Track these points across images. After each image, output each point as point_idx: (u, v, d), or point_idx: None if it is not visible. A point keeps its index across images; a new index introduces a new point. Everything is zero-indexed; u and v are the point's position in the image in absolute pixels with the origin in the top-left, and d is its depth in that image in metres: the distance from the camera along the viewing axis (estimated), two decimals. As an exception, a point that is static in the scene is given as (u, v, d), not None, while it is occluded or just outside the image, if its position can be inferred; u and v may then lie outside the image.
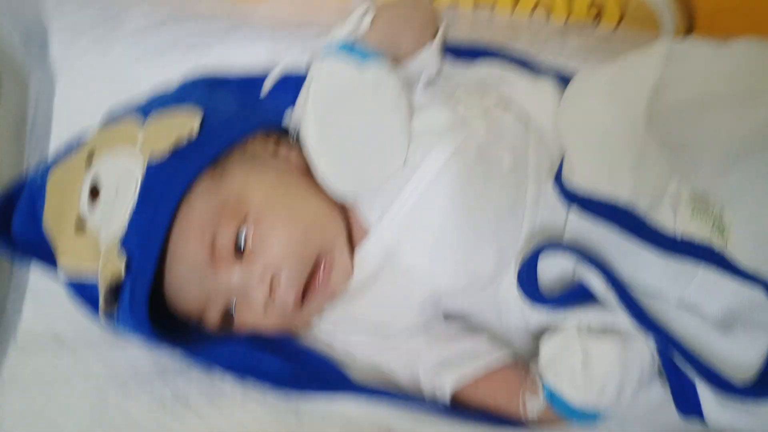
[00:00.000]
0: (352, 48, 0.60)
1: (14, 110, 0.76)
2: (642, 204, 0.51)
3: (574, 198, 0.53)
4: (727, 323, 0.54)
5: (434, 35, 0.69)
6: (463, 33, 0.79)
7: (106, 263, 0.54)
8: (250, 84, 0.72)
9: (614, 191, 0.51)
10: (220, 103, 0.65)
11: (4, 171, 0.72)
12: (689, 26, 0.81)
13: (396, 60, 0.66)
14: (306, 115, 0.59)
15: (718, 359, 0.52)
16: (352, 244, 0.63)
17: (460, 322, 0.67)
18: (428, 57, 0.68)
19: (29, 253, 0.66)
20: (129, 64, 0.77)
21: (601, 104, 0.54)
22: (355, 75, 0.59)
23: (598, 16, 0.80)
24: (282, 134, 0.66)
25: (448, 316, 0.67)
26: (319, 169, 0.59)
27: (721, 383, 0.49)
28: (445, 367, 0.61)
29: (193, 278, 0.56)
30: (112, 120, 0.63)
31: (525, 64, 0.70)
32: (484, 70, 0.70)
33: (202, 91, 0.70)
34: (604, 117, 0.54)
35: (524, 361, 0.61)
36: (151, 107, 0.62)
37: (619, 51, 0.73)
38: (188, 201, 0.55)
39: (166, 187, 0.54)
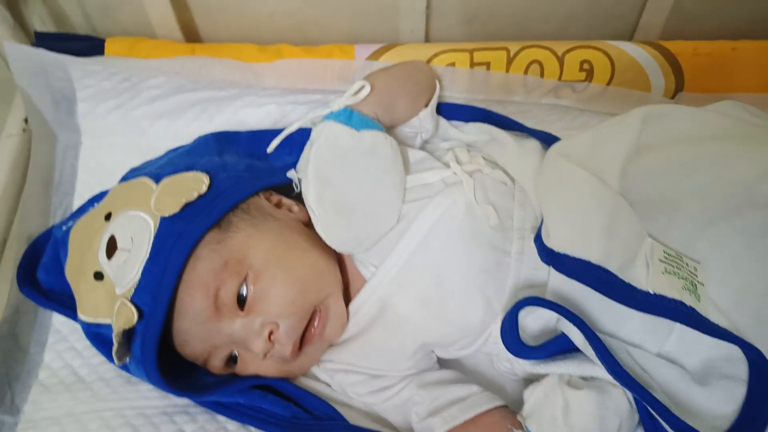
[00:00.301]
0: (350, 115, 0.65)
1: (43, 166, 0.82)
2: (614, 264, 0.54)
3: (549, 258, 0.56)
4: (704, 375, 0.57)
5: (428, 100, 0.74)
6: (461, 91, 0.84)
7: (120, 311, 0.58)
8: (258, 140, 0.77)
9: (586, 253, 0.54)
10: (229, 162, 0.71)
11: (32, 223, 0.78)
12: (678, 85, 0.85)
13: (392, 123, 0.71)
14: (307, 175, 0.64)
15: (696, 410, 0.54)
16: (348, 294, 0.67)
17: (455, 369, 0.70)
18: (423, 120, 0.73)
19: (52, 299, 0.71)
20: (148, 123, 0.83)
21: (576, 169, 0.58)
22: (354, 140, 0.64)
23: (590, 75, 0.84)
24: (285, 189, 0.71)
25: (444, 364, 0.71)
26: (317, 225, 0.64)
27: (690, 434, 0.51)
28: (436, 411, 0.64)
29: (198, 327, 0.60)
30: (129, 180, 0.68)
31: (514, 126, 0.75)
32: (475, 131, 0.75)
33: (213, 147, 0.75)
34: (579, 181, 0.57)
35: (515, 408, 0.64)
36: (164, 168, 0.67)
37: (610, 108, 0.78)
38: (195, 255, 0.60)
39: (175, 243, 0.58)
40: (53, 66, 0.81)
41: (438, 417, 0.63)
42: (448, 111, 0.79)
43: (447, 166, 0.68)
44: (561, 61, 0.83)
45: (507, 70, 0.83)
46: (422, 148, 0.75)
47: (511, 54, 0.83)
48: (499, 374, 0.70)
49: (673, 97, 0.86)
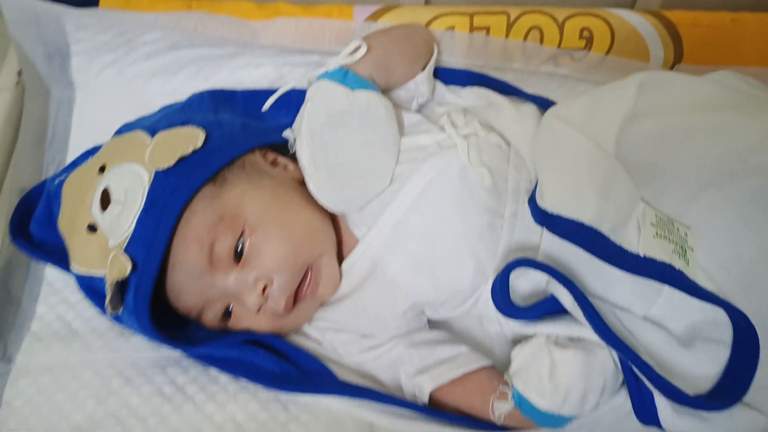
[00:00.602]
0: (345, 74, 0.65)
1: (36, 121, 0.81)
2: (606, 226, 0.55)
3: (543, 219, 0.56)
4: (689, 338, 0.58)
5: (426, 64, 0.73)
6: (460, 56, 0.83)
7: (113, 264, 0.58)
8: (254, 99, 0.77)
9: (579, 214, 0.55)
10: (225, 119, 0.70)
11: (25, 177, 0.77)
12: (677, 56, 0.85)
13: (388, 85, 0.71)
14: (301, 135, 0.64)
15: (680, 371, 0.56)
16: (341, 253, 0.67)
17: (445, 330, 0.71)
18: (419, 84, 0.73)
19: (45, 252, 0.71)
20: (143, 81, 0.82)
21: (573, 132, 0.58)
22: (348, 99, 0.64)
23: (589, 43, 0.84)
24: (281, 148, 0.71)
25: (433, 325, 0.72)
26: (310, 185, 0.64)
27: (673, 393, 0.52)
28: (425, 370, 0.65)
29: (192, 281, 0.60)
30: (123, 134, 0.68)
31: (511, 91, 0.75)
32: (472, 96, 0.75)
33: (208, 105, 0.75)
34: (575, 144, 0.57)
35: (503, 369, 0.65)
36: (159, 123, 0.67)
37: (609, 78, 0.77)
38: (190, 209, 0.60)
39: (169, 196, 0.59)
40: (46, 16, 0.79)
41: (426, 375, 0.64)
42: (445, 75, 0.78)
43: (442, 129, 0.68)
44: (561, 28, 0.83)
45: (506, 36, 0.83)
46: (418, 112, 0.74)
47: (511, 19, 0.82)
48: (488, 336, 0.71)
49: (671, 69, 0.86)
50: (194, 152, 0.61)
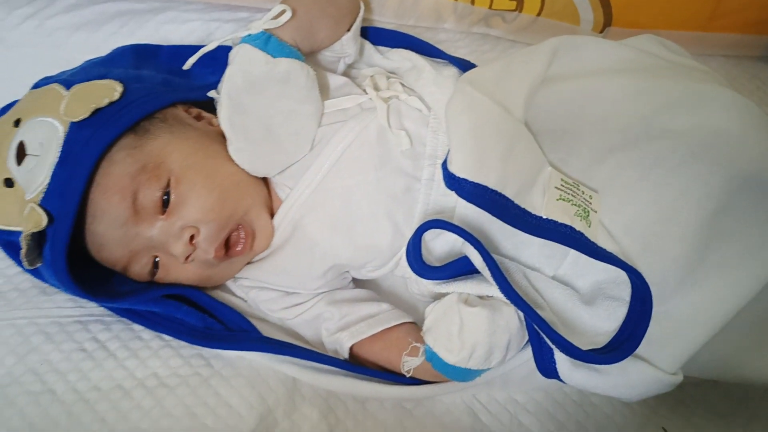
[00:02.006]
0: (268, 40, 0.63)
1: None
2: (510, 190, 0.57)
3: (451, 182, 0.58)
4: (592, 296, 0.61)
5: (351, 24, 0.72)
6: (390, 15, 0.82)
7: (29, 216, 0.58)
8: (179, 56, 0.75)
9: (483, 178, 0.56)
10: (146, 74, 0.69)
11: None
12: (607, 19, 0.86)
13: (312, 48, 0.70)
14: (221, 99, 0.64)
15: (581, 328, 0.59)
16: (272, 211, 0.68)
17: (371, 290, 0.73)
18: (345, 45, 0.72)
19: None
20: (65, 35, 0.80)
21: (480, 97, 0.59)
22: (268, 66, 0.63)
23: (520, 4, 0.84)
24: (207, 107, 0.70)
25: (360, 284, 0.74)
26: (229, 148, 0.64)
27: (567, 348, 0.55)
28: (346, 326, 0.67)
29: (115, 231, 0.60)
30: (38, 88, 0.66)
31: (437, 54, 0.75)
32: (399, 58, 0.74)
33: (130, 60, 0.73)
34: (481, 110, 0.58)
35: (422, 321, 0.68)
36: (76, 76, 0.66)
37: (540, 40, 0.78)
38: (109, 158, 0.60)
39: (84, 146, 0.58)
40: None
41: (346, 332, 0.67)
42: (374, 36, 0.78)
43: (365, 92, 0.68)
44: (492, -13, 0.83)
45: (437, -5, 0.82)
46: (345, 73, 0.74)
47: (442, -22, 0.82)
48: (412, 296, 0.73)
49: (601, 32, 0.87)
50: (111, 104, 0.60)
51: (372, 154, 0.64)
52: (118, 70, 0.69)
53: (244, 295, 0.71)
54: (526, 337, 0.63)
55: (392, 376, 0.67)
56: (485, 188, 0.56)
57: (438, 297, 0.66)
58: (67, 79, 0.65)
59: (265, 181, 0.69)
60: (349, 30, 0.72)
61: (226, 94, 0.63)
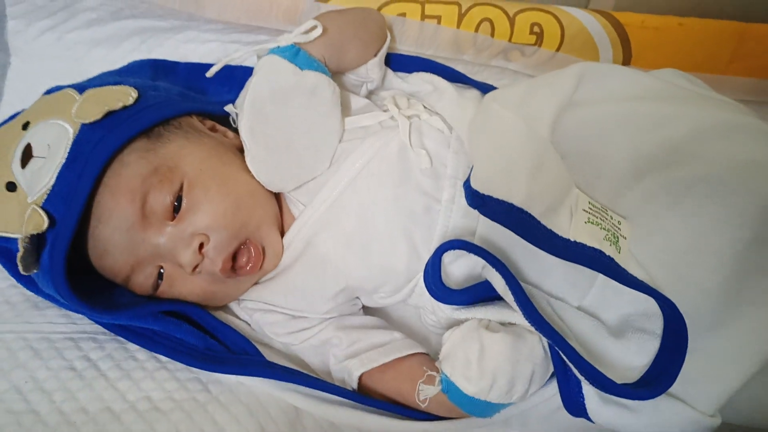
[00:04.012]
0: (297, 53, 0.63)
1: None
2: (536, 209, 0.54)
3: (474, 200, 0.55)
4: (620, 329, 0.57)
5: (378, 50, 0.72)
6: (409, 44, 0.82)
7: (30, 218, 0.55)
8: (197, 73, 0.75)
9: (509, 195, 0.54)
10: (162, 85, 0.68)
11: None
12: (626, 58, 0.86)
13: (339, 69, 0.69)
14: (243, 106, 0.62)
15: (609, 362, 0.55)
16: (282, 229, 0.65)
17: (381, 319, 0.69)
18: (370, 70, 0.72)
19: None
20: (84, 49, 0.79)
21: (507, 113, 0.57)
22: (295, 77, 0.62)
23: (539, 39, 0.84)
24: (221, 122, 0.69)
25: (370, 312, 0.70)
26: (247, 158, 0.62)
27: (600, 381, 0.51)
28: (355, 354, 0.63)
29: (120, 235, 0.57)
30: (52, 93, 0.65)
31: (458, 78, 0.74)
32: (418, 81, 0.74)
33: (147, 73, 0.72)
34: (508, 125, 0.56)
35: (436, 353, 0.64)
36: (91, 82, 0.64)
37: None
38: (120, 160, 0.57)
39: (94, 147, 0.56)
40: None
41: (356, 359, 0.62)
42: (394, 62, 0.77)
43: (386, 110, 0.67)
44: (512, 21, 0.83)
45: (458, 26, 0.82)
46: (366, 98, 0.73)
47: (463, 10, 0.82)
48: (426, 329, 0.69)
49: (620, 70, 0.86)
50: (125, 108, 0.58)
51: (391, 170, 0.62)
52: (134, 79, 0.67)
53: (248, 318, 0.67)
54: (550, 370, 0.58)
55: (402, 410, 0.62)
56: (511, 206, 0.53)
57: (453, 325, 0.63)
58: (81, 85, 0.63)
59: (277, 198, 0.66)
60: (375, 55, 0.71)
61: (249, 102, 0.61)
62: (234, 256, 0.61)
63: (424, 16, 0.82)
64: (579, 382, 0.55)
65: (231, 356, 0.62)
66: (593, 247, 0.54)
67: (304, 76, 0.62)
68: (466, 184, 0.58)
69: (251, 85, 0.62)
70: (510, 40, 0.84)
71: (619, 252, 0.56)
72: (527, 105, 0.59)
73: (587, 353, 0.55)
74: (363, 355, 0.63)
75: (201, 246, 0.58)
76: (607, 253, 0.54)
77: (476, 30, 0.83)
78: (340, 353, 0.63)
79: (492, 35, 0.83)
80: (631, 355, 0.55)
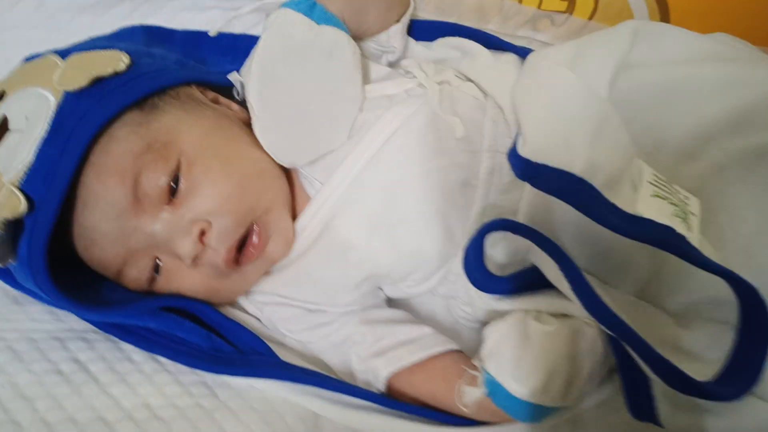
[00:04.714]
0: (313, 6, 0.55)
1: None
2: (599, 179, 0.47)
3: (525, 170, 0.48)
4: (686, 319, 0.51)
5: (401, 15, 0.65)
6: (430, 11, 0.75)
7: (5, 201, 0.48)
8: (195, 41, 0.67)
9: (568, 163, 0.47)
10: (157, 52, 0.60)
11: None
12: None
13: (359, 32, 0.62)
14: (252, 67, 0.55)
15: (677, 356, 0.47)
16: (294, 211, 0.58)
17: (406, 313, 0.62)
18: (392, 37, 0.65)
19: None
20: (67, 17, 0.72)
21: (563, 71, 0.50)
22: (311, 33, 0.55)
23: (571, 6, 0.77)
24: (224, 94, 0.61)
25: (393, 305, 0.63)
26: (256, 128, 0.54)
27: (677, 379, 0.44)
28: (381, 352, 0.56)
29: (110, 223, 0.50)
30: (31, 60, 0.57)
31: (490, 41, 0.66)
32: (445, 47, 0.67)
33: (140, 38, 0.64)
34: (564, 85, 0.50)
35: (472, 355, 0.56)
36: (76, 48, 0.56)
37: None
38: (109, 134, 0.50)
39: (79, 120, 0.48)
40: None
41: (382, 358, 0.55)
42: (416, 30, 0.70)
43: (412, 76, 0.60)
44: (542, -14, 0.76)
45: (482, -7, 0.75)
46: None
47: (489, -26, 0.75)
48: (456, 322, 0.62)
49: (656, 41, 0.80)
50: (116, 75, 0.51)
51: (421, 143, 0.54)
52: (126, 44, 0.59)
53: (258, 313, 0.60)
54: (606, 368, 0.51)
55: (437, 415, 0.55)
56: (571, 176, 0.46)
57: (492, 318, 0.55)
58: (66, 50, 0.56)
59: (288, 176, 0.59)
60: (398, 22, 0.64)
61: (258, 61, 0.54)
62: (239, 246, 0.53)
63: (446, -19, 0.75)
64: (647, 381, 0.48)
65: (240, 356, 0.55)
66: (663, 224, 0.47)
67: (321, 32, 0.55)
68: (513, 153, 0.51)
69: (260, 43, 0.55)
70: (539, 7, 0.77)
71: (690, 230, 0.49)
72: (579, 65, 0.52)
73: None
74: (390, 354, 0.55)
75: (202, 234, 0.51)
76: (678, 231, 0.47)
77: (503, -5, 0.76)
78: (364, 351, 0.56)
79: (520, 1, 0.76)
80: (702, 348, 0.48)
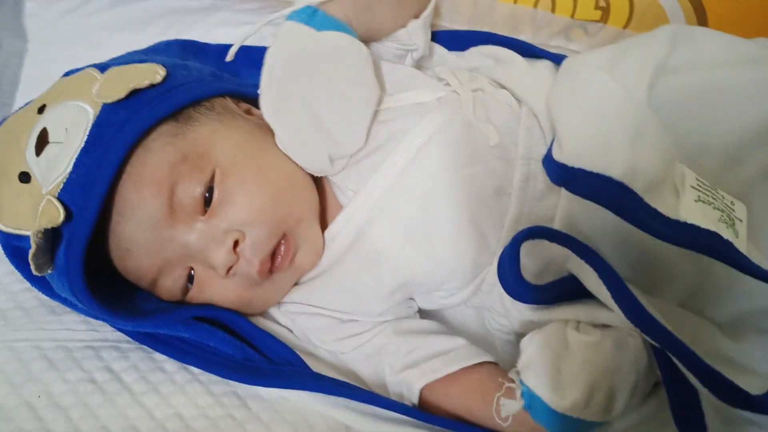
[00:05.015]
0: (314, 14, 0.55)
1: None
2: (639, 183, 0.45)
3: (562, 175, 0.47)
4: (735, 330, 0.48)
5: (419, 11, 0.63)
6: (462, 22, 0.75)
7: (44, 211, 0.48)
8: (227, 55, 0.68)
9: (607, 167, 0.45)
10: (192, 65, 0.61)
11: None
12: (701, 31, 0.77)
13: (370, 32, 0.61)
14: (262, 84, 0.54)
15: (727, 368, 0.45)
16: (325, 220, 0.57)
17: (439, 324, 0.60)
18: (412, 34, 0.63)
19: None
20: (106, 34, 0.74)
21: (600, 74, 0.49)
22: (312, 41, 0.54)
23: (605, 15, 0.76)
24: (257, 103, 0.61)
25: (426, 317, 0.61)
26: (278, 140, 0.54)
27: (730, 392, 0.42)
28: (415, 363, 0.54)
29: (145, 233, 0.50)
30: (70, 74, 0.58)
31: (524, 48, 0.66)
32: (478, 55, 0.66)
33: (176, 52, 0.65)
34: (601, 88, 0.48)
35: (506, 368, 0.55)
36: (114, 62, 0.57)
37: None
38: (145, 146, 0.50)
39: (117, 131, 0.49)
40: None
41: (416, 369, 0.54)
42: (449, 40, 0.69)
43: (444, 83, 0.59)
44: (575, -5, 0.75)
45: (515, 2, 0.74)
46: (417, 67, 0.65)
47: (522, -18, 0.75)
48: (490, 334, 0.60)
49: (694, 49, 0.78)
50: (152, 87, 0.51)
51: (456, 151, 0.53)
52: (162, 57, 0.60)
53: (289, 323, 0.59)
54: (653, 381, 0.49)
55: (471, 429, 0.52)
56: (609, 180, 0.45)
57: (527, 329, 0.54)
58: (104, 65, 0.57)
59: (320, 186, 0.58)
60: (418, 17, 0.63)
61: (267, 75, 0.53)
62: (272, 256, 0.53)
63: (478, -9, 0.74)
64: (696, 395, 0.45)
65: (272, 367, 0.54)
66: (708, 229, 0.45)
67: (321, 38, 0.54)
68: (548, 159, 0.50)
69: (266, 59, 0.54)
70: (573, 16, 0.76)
71: (737, 237, 0.47)
72: (616, 69, 0.51)
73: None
74: (424, 365, 0.54)
75: (236, 244, 0.51)
76: (725, 237, 0.45)
77: (535, 5, 0.75)
78: (397, 363, 0.55)
79: (552, 11, 0.75)
80: (753, 361, 0.46)
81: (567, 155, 0.47)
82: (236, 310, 0.56)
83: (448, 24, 0.74)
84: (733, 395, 0.42)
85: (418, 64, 0.67)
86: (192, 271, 0.53)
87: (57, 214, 0.47)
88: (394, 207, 0.54)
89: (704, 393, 0.44)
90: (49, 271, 0.50)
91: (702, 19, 0.76)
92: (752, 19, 0.76)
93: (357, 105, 0.54)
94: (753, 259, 0.46)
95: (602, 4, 0.75)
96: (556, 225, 0.52)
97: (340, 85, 0.54)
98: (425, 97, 0.57)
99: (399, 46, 0.64)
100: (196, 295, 0.54)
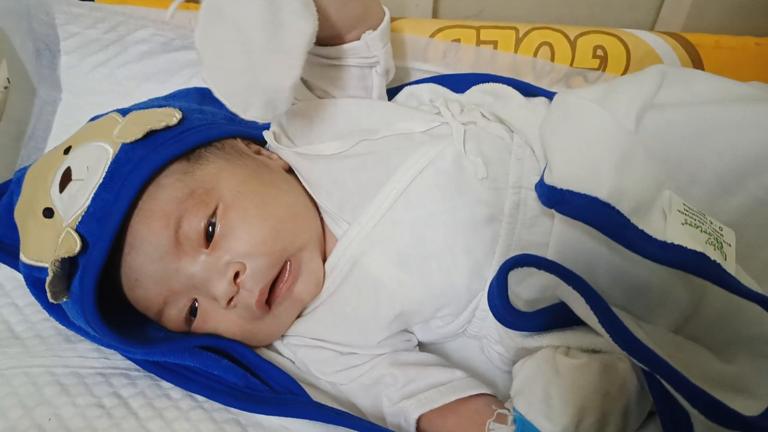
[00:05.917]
0: None
1: (18, 120, 0.78)
2: (625, 205, 0.47)
3: (551, 196, 0.49)
4: (731, 353, 0.48)
5: (375, 25, 0.62)
6: (465, 70, 0.79)
7: (63, 241, 0.51)
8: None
9: (594, 188, 0.47)
10: (208, 109, 0.65)
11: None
12: (698, 79, 0.79)
13: (324, 32, 0.56)
14: (200, 11, 0.50)
15: (722, 391, 0.45)
16: (324, 253, 0.60)
17: (437, 357, 0.61)
18: (372, 46, 0.62)
19: (1, 250, 0.64)
20: (134, 84, 0.79)
21: (589, 104, 0.51)
22: None
23: (603, 62, 0.79)
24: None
25: (425, 350, 0.62)
26: (202, 72, 0.51)
27: (720, 413, 0.41)
28: (412, 394, 0.55)
29: (153, 264, 0.53)
30: (96, 119, 0.63)
31: (522, 88, 0.69)
32: (478, 93, 0.69)
33: (194, 98, 0.70)
34: (590, 116, 0.51)
35: (504, 398, 0.55)
36: (136, 106, 0.62)
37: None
38: (157, 182, 0.54)
39: (133, 167, 0.52)
40: (37, 7, 0.77)
41: (413, 399, 0.55)
42: (451, 83, 0.73)
43: (437, 114, 0.62)
44: (573, 45, 0.78)
45: (515, 52, 0.78)
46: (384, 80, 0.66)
47: (520, 34, 0.78)
48: (490, 365, 0.62)
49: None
50: (168, 129, 0.55)
51: (448, 182, 0.56)
52: (180, 102, 0.65)
53: (291, 355, 0.61)
54: (648, 407, 0.49)
55: None
56: (595, 200, 0.46)
57: (521, 356, 0.54)
58: (126, 109, 0.62)
59: (321, 221, 0.61)
60: (375, 30, 0.62)
61: (205, 5, 0.50)
62: (271, 287, 0.56)
63: (479, 42, 0.78)
64: (688, 419, 0.45)
65: (274, 396, 0.56)
66: (695, 250, 0.46)
67: None
68: (540, 184, 0.52)
69: None
70: (571, 65, 0.79)
71: (725, 259, 0.47)
72: (607, 102, 0.54)
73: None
74: (421, 395, 0.55)
75: (237, 276, 0.53)
76: (711, 258, 0.46)
77: (535, 55, 0.78)
78: (394, 394, 0.56)
79: (552, 59, 0.79)
80: (749, 384, 0.46)
81: (557, 178, 0.48)
82: (241, 341, 0.58)
83: (452, 72, 0.78)
84: (722, 415, 0.41)
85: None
86: (196, 302, 0.56)
87: (74, 245, 0.50)
88: (387, 236, 0.56)
89: (695, 414, 0.44)
90: (65, 299, 0.53)
91: (698, 67, 0.79)
92: (747, 67, 0.79)
93: (295, 36, 0.50)
94: (741, 281, 0.47)
95: (600, 53, 0.79)
96: (550, 251, 0.54)
97: (280, 15, 0.50)
98: (418, 128, 0.60)
99: (359, 60, 0.63)
100: (200, 325, 0.57)
